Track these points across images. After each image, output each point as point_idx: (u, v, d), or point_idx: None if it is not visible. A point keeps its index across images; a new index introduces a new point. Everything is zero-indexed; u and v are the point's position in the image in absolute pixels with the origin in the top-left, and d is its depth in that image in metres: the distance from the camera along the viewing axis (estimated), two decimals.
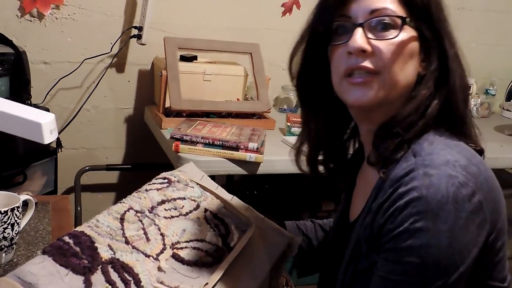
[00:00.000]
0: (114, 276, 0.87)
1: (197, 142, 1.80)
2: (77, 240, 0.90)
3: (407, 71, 0.92)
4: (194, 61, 2.30)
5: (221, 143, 1.80)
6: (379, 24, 0.92)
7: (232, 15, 2.56)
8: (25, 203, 1.22)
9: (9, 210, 1.12)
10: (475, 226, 0.82)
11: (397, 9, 0.92)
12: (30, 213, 1.25)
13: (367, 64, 0.92)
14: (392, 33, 0.91)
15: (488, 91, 3.07)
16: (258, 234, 1.11)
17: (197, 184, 1.18)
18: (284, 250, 1.12)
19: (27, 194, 1.25)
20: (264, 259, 1.06)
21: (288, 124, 2.15)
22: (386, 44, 0.91)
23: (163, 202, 1.07)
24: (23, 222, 1.23)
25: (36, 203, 1.29)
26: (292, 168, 1.95)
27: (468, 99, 0.96)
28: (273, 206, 2.50)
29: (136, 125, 2.53)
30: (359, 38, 0.91)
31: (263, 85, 2.24)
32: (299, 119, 2.12)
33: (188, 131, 1.84)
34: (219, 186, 1.21)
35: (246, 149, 1.80)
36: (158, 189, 1.10)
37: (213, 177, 2.09)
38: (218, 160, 1.80)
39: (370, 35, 0.92)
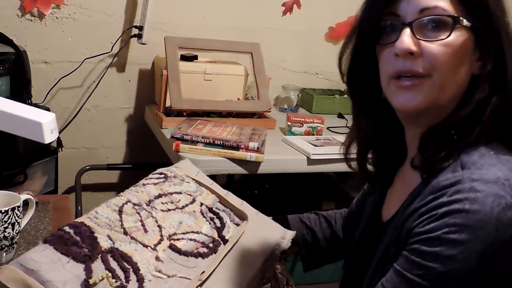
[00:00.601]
0: (113, 264, 0.89)
1: (198, 142, 1.80)
2: (77, 230, 0.92)
3: (459, 73, 0.87)
4: (195, 60, 2.30)
5: (221, 142, 1.80)
6: (429, 23, 0.86)
7: (233, 14, 2.56)
8: (26, 203, 1.22)
9: (9, 210, 1.12)
10: (509, 255, 0.77)
11: (449, 7, 0.85)
12: (30, 213, 1.25)
13: (415, 67, 0.87)
14: (443, 33, 0.85)
15: None
16: (252, 227, 1.15)
17: (193, 179, 1.20)
18: (277, 243, 1.15)
19: (28, 194, 1.25)
20: (257, 251, 1.09)
21: (289, 123, 2.15)
22: (436, 45, 0.85)
23: (160, 196, 1.10)
24: (24, 222, 1.23)
25: (36, 203, 1.29)
26: (292, 168, 1.97)
27: None
28: (274, 205, 2.50)
29: (136, 124, 2.53)
30: (406, 38, 0.86)
31: (264, 84, 2.24)
32: (300, 119, 2.14)
33: (189, 130, 1.84)
34: (214, 182, 1.24)
35: (247, 149, 1.80)
36: (155, 184, 1.13)
37: (213, 177, 2.09)
38: (218, 160, 1.80)
39: (419, 36, 0.86)
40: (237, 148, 1.80)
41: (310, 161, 1.92)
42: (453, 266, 0.76)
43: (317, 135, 2.16)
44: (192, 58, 2.29)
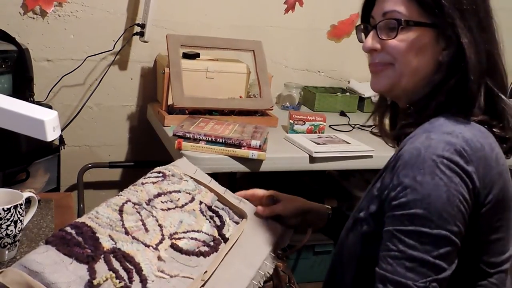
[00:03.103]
0: (116, 264, 0.89)
1: (200, 140, 1.80)
2: (79, 230, 0.92)
3: (418, 62, 1.03)
4: (197, 58, 2.30)
5: (223, 140, 1.80)
6: (387, 25, 1.04)
7: (235, 12, 2.56)
8: (28, 201, 1.23)
9: (12, 208, 1.12)
10: (464, 188, 0.91)
11: (406, 10, 1.02)
12: (33, 211, 1.25)
13: (379, 59, 1.07)
14: (398, 32, 1.02)
15: None
16: (251, 225, 1.17)
17: (191, 177, 1.21)
18: (277, 240, 1.17)
19: (30, 192, 1.25)
20: (258, 249, 1.10)
21: (291, 121, 2.15)
22: (394, 42, 1.03)
23: (159, 195, 1.10)
24: (26, 219, 1.23)
25: (39, 201, 1.29)
26: (294, 166, 1.97)
27: (482, 81, 1.01)
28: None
29: (138, 122, 2.53)
30: (369, 39, 1.07)
31: (266, 82, 2.24)
32: (302, 117, 2.14)
33: (191, 128, 1.84)
34: (212, 180, 1.25)
35: (249, 147, 1.80)
36: (153, 183, 1.13)
37: (215, 175, 2.09)
38: (220, 158, 1.80)
39: (381, 35, 1.05)
40: (239, 146, 1.80)
41: (312, 159, 1.92)
42: (429, 204, 0.89)
43: (319, 133, 2.16)
44: (194, 56, 2.29)
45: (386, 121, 1.22)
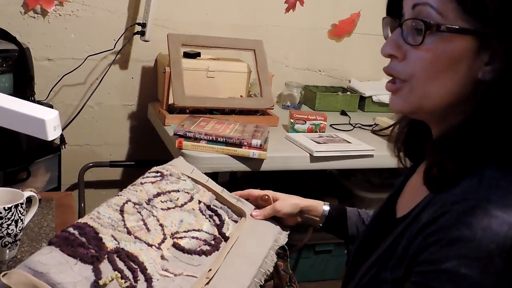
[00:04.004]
0: (120, 264, 0.89)
1: (200, 139, 1.80)
2: (82, 231, 0.92)
3: (447, 80, 0.78)
4: (198, 57, 2.30)
5: (224, 139, 1.80)
6: (414, 26, 0.79)
7: (236, 11, 2.56)
8: (29, 200, 1.23)
9: (13, 207, 1.12)
10: None
11: (441, 5, 0.76)
12: (34, 210, 1.25)
13: (394, 71, 0.83)
14: (421, 39, 0.78)
15: None
16: (250, 224, 1.17)
17: (189, 177, 1.21)
18: (275, 239, 1.17)
19: (31, 191, 1.25)
20: (257, 247, 1.10)
21: (292, 120, 2.15)
22: (416, 50, 0.80)
23: (158, 194, 1.10)
24: (27, 219, 1.23)
25: (40, 200, 1.30)
26: (295, 165, 1.97)
27: None
28: None
29: (139, 121, 2.53)
30: (390, 41, 0.83)
31: (267, 81, 2.24)
32: (302, 116, 2.14)
33: (192, 127, 1.84)
34: (210, 179, 1.25)
35: (249, 146, 1.80)
36: (152, 182, 1.13)
37: (216, 174, 2.10)
38: (221, 157, 1.81)
39: (406, 38, 0.81)
40: (240, 145, 1.80)
41: (313, 158, 1.92)
42: None
43: (320, 132, 2.16)
44: (195, 55, 2.29)
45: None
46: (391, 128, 1.03)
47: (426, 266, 0.73)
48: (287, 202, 1.24)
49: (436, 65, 0.78)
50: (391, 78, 0.85)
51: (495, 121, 0.75)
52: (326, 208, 1.25)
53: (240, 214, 1.18)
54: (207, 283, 0.94)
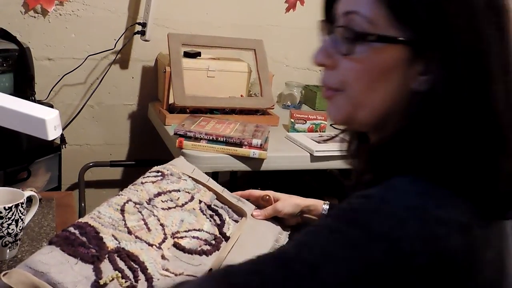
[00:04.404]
0: (121, 264, 0.89)
1: (201, 139, 1.80)
2: (83, 230, 0.92)
3: (381, 91, 0.73)
4: (198, 57, 2.30)
5: (224, 139, 1.80)
6: (345, 33, 0.74)
7: (236, 11, 2.55)
8: (29, 199, 1.23)
9: (13, 206, 1.12)
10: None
11: (372, 13, 0.71)
12: (34, 209, 1.25)
13: (328, 80, 0.79)
14: (356, 46, 0.73)
15: None
16: (250, 223, 1.17)
17: (189, 177, 1.21)
18: (276, 239, 1.17)
19: (31, 190, 1.25)
20: (258, 247, 1.10)
21: (292, 120, 2.15)
22: (347, 60, 0.75)
23: (159, 194, 1.10)
24: (27, 218, 1.23)
25: (40, 199, 1.29)
26: (295, 165, 1.97)
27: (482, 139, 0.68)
28: None
29: (140, 121, 2.53)
30: (321, 49, 0.78)
31: (267, 81, 2.24)
32: (303, 115, 2.14)
33: (192, 127, 1.85)
34: (210, 178, 1.25)
35: (250, 146, 1.80)
36: (153, 182, 1.13)
37: (216, 174, 2.10)
38: (221, 157, 1.81)
39: (338, 46, 0.75)
40: (240, 145, 1.80)
41: (313, 158, 1.92)
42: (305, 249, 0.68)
43: (320, 132, 2.16)
44: (195, 55, 2.29)
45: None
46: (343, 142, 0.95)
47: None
48: (288, 202, 1.24)
49: (368, 76, 0.73)
50: None
51: (427, 132, 0.70)
52: (326, 207, 1.25)
53: (241, 214, 1.19)
54: None
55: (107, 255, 0.89)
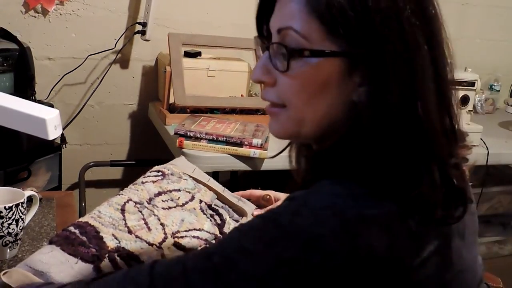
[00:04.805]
0: (121, 263, 0.89)
1: (201, 138, 1.80)
2: (83, 230, 0.92)
3: (321, 105, 0.73)
4: (198, 57, 2.30)
5: (225, 139, 1.80)
6: (279, 50, 0.74)
7: (236, 10, 2.55)
8: (30, 199, 1.23)
9: (13, 206, 1.12)
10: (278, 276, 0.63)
11: (305, 28, 0.71)
12: (34, 209, 1.25)
13: (269, 97, 0.78)
14: (291, 62, 0.73)
15: (493, 86, 3.06)
16: None
17: (190, 176, 1.21)
18: None
19: (32, 190, 1.25)
20: None
21: None
22: (285, 76, 0.74)
23: (159, 193, 1.10)
24: (28, 218, 1.23)
25: (40, 199, 1.30)
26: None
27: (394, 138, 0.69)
28: None
29: (140, 121, 2.53)
30: (259, 66, 0.78)
31: None
32: None
33: (192, 127, 1.84)
34: (211, 178, 1.25)
35: (250, 145, 1.80)
36: (153, 182, 1.13)
37: (217, 173, 2.10)
38: (222, 156, 1.80)
39: (274, 62, 0.75)
40: (240, 144, 1.80)
41: None
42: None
43: None
44: (196, 55, 2.29)
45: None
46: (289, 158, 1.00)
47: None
48: None
49: (307, 91, 0.73)
50: None
51: (359, 139, 0.70)
52: None
53: (241, 213, 1.18)
54: None
55: (107, 255, 0.89)
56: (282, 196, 1.26)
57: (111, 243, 0.92)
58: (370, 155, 0.69)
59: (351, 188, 0.68)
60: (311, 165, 0.81)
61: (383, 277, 0.64)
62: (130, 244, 0.94)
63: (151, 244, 0.96)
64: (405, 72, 0.69)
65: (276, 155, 1.08)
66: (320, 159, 0.77)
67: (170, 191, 1.12)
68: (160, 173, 1.18)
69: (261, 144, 1.79)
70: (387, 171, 0.68)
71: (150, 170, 1.20)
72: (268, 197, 1.25)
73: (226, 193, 1.22)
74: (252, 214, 1.21)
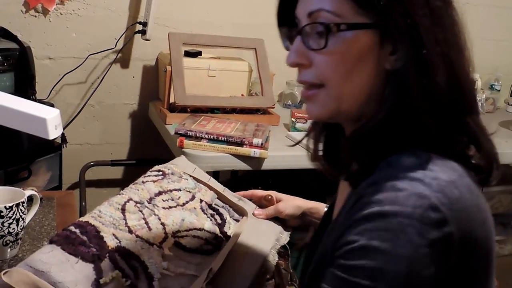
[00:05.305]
0: (122, 263, 0.89)
1: (202, 138, 1.80)
2: (83, 229, 0.92)
3: (357, 77, 0.78)
4: (199, 56, 2.30)
5: (225, 138, 1.80)
6: (314, 30, 0.79)
7: (237, 10, 2.55)
8: (30, 199, 1.23)
9: (14, 206, 1.12)
10: (438, 260, 0.69)
11: (337, 7, 0.76)
12: (35, 209, 1.25)
13: (308, 78, 0.82)
14: (324, 42, 0.77)
15: (493, 86, 3.06)
16: (251, 223, 1.17)
17: (190, 176, 1.21)
18: (277, 238, 1.17)
19: (32, 190, 1.25)
20: (259, 247, 1.10)
21: (293, 119, 2.15)
22: (322, 55, 0.79)
23: (160, 193, 1.11)
24: (28, 218, 1.23)
25: (41, 199, 1.30)
26: (295, 164, 1.96)
27: (448, 95, 0.76)
28: None
29: (140, 120, 2.53)
30: (293, 51, 0.83)
31: (268, 80, 2.24)
32: (304, 115, 2.14)
33: (193, 126, 1.84)
34: (211, 178, 1.25)
35: (251, 145, 1.80)
36: (154, 181, 1.14)
37: (217, 173, 2.10)
38: (222, 156, 1.80)
39: (308, 44, 0.80)
40: (241, 144, 1.80)
41: None
42: (381, 279, 0.68)
43: None
44: (196, 54, 2.29)
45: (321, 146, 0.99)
46: (306, 141, 1.04)
47: (343, 248, 0.73)
48: (290, 204, 1.24)
49: (344, 65, 0.78)
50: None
51: (407, 109, 0.76)
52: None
53: (242, 213, 1.18)
54: (208, 282, 0.94)
55: (107, 254, 0.89)
56: (284, 196, 1.26)
57: (111, 243, 0.92)
58: (423, 119, 0.75)
59: (428, 158, 0.74)
60: (353, 147, 0.82)
61: (475, 232, 0.73)
62: (131, 243, 0.94)
63: (151, 244, 0.96)
64: (436, 35, 0.75)
65: (296, 144, 1.15)
66: (370, 136, 0.79)
67: (171, 191, 1.13)
68: (161, 173, 1.18)
69: (262, 144, 1.79)
70: (441, 131, 0.76)
71: (150, 170, 1.20)
72: (269, 197, 1.25)
73: (227, 192, 1.22)
74: (252, 214, 1.21)
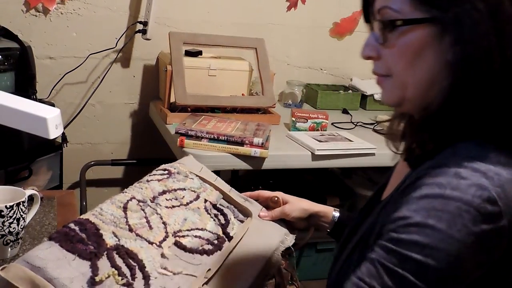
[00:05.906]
0: (119, 261, 0.89)
1: (202, 137, 1.80)
2: (83, 227, 0.92)
3: (421, 67, 0.83)
4: (199, 56, 2.30)
5: (226, 138, 1.80)
6: (380, 26, 0.86)
7: (237, 10, 2.55)
8: (31, 198, 1.23)
9: (14, 205, 1.12)
10: (486, 250, 0.74)
11: (399, 4, 0.82)
12: (35, 208, 1.25)
13: (377, 69, 0.90)
14: (387, 37, 0.85)
15: None
16: (256, 224, 1.16)
17: (197, 175, 1.21)
18: (281, 240, 1.16)
19: (33, 189, 1.25)
20: (262, 248, 1.09)
21: (293, 119, 2.14)
22: (386, 48, 0.86)
23: (164, 192, 1.10)
24: (29, 217, 1.23)
25: (41, 198, 1.30)
26: (296, 163, 1.97)
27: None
28: None
29: (141, 120, 2.53)
30: (366, 44, 0.89)
31: (268, 80, 2.24)
32: (304, 114, 2.14)
33: (193, 126, 1.84)
34: (218, 178, 1.25)
35: (251, 144, 1.80)
36: (159, 180, 1.13)
37: (218, 172, 2.09)
38: (223, 155, 1.80)
39: (378, 38, 0.87)
40: (241, 143, 1.80)
41: (315, 157, 1.92)
42: (433, 256, 0.72)
43: (321, 130, 2.15)
44: (197, 54, 2.29)
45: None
46: (390, 123, 1.04)
47: (397, 222, 0.77)
48: (297, 206, 1.23)
49: (404, 57, 0.84)
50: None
51: (470, 98, 0.80)
52: (337, 214, 1.24)
53: (247, 214, 1.18)
54: (206, 283, 0.94)
55: (105, 252, 0.89)
56: (291, 198, 1.25)
57: (110, 241, 0.92)
58: (489, 110, 0.79)
59: (490, 150, 0.79)
60: (426, 129, 0.86)
61: None
62: (130, 242, 0.94)
63: (151, 243, 0.96)
64: (489, 25, 0.78)
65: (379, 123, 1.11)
66: (434, 122, 0.84)
67: (175, 190, 1.12)
68: (167, 172, 1.17)
69: (262, 143, 1.79)
70: (505, 123, 0.80)
71: (156, 169, 1.19)
72: (276, 199, 1.25)
73: (233, 193, 1.21)
74: (258, 215, 1.21)
